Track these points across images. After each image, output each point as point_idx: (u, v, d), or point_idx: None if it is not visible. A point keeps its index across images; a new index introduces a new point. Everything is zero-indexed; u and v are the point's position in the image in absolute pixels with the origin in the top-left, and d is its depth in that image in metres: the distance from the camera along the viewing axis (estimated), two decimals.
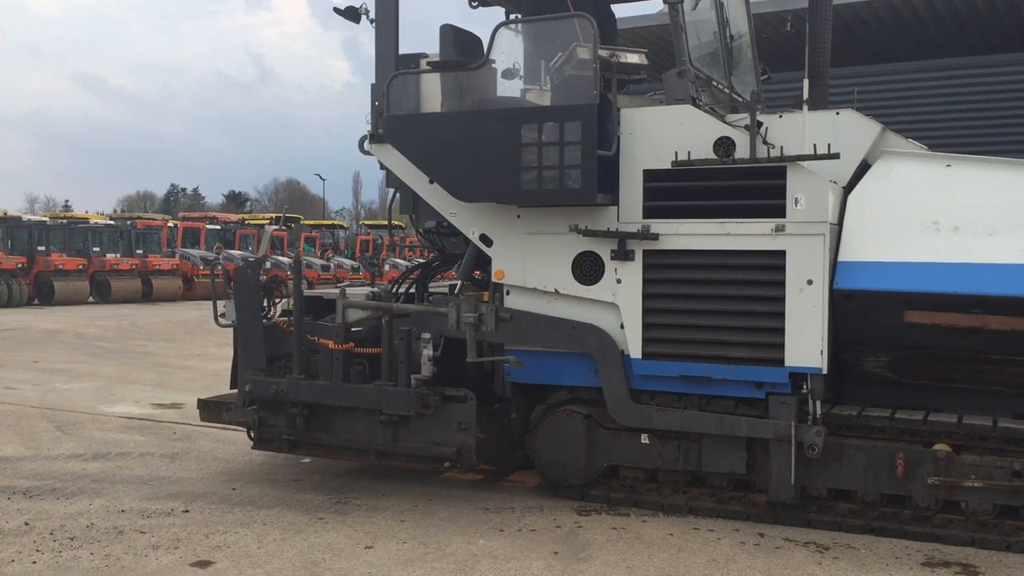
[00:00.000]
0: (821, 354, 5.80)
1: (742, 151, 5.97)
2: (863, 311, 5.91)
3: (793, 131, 6.36)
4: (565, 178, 6.03)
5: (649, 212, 6.20)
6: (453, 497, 6.62)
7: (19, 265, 29.21)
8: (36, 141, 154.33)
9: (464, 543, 5.63)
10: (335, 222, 53.47)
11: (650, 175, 6.19)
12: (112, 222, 37.58)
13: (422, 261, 7.99)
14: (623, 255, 6.22)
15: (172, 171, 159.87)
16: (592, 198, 6.00)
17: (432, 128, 6.50)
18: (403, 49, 7.07)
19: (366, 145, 6.89)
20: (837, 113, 6.51)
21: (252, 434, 6.62)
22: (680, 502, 6.31)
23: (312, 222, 48.83)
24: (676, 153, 6.01)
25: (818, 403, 5.90)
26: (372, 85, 6.94)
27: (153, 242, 35.57)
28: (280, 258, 37.38)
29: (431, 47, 7.14)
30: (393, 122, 6.59)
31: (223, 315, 6.72)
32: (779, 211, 5.88)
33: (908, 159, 6.30)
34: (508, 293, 6.59)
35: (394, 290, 7.22)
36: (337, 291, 6.89)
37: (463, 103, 6.79)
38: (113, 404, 10.37)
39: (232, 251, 36.16)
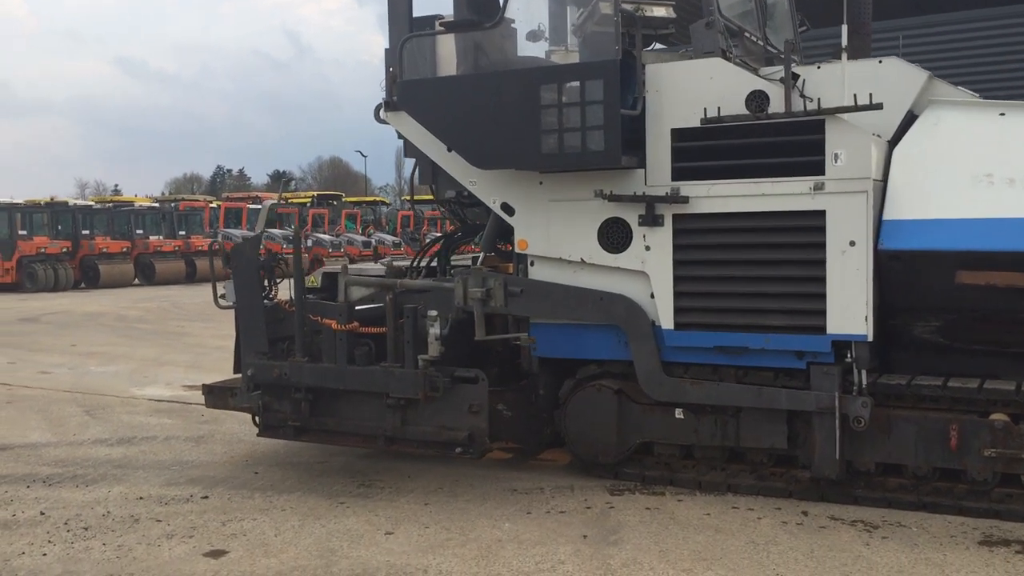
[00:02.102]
0: (866, 320, 5.42)
1: (777, 106, 5.58)
2: (911, 273, 5.50)
3: (832, 83, 5.92)
4: (587, 140, 5.69)
5: (678, 174, 5.83)
6: (480, 478, 6.36)
7: (64, 249, 29.47)
8: (83, 126, 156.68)
9: (489, 527, 5.36)
10: (377, 198, 53.41)
11: (678, 134, 5.82)
12: (157, 204, 37.89)
13: (443, 233, 7.69)
14: (651, 220, 5.87)
15: (217, 152, 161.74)
16: (616, 161, 5.65)
17: (447, 92, 6.19)
18: (418, 11, 6.75)
19: (381, 114, 6.59)
20: (880, 62, 6.08)
21: (257, 420, 6.36)
22: (718, 479, 5.98)
23: (354, 199, 48.84)
24: (705, 110, 5.63)
25: (863, 372, 5.52)
26: (386, 50, 6.63)
27: (196, 223, 35.73)
28: (321, 235, 37.41)
29: (447, 8, 6.81)
30: (406, 88, 6.28)
31: (223, 296, 6.45)
32: (818, 168, 5.49)
33: (958, 108, 5.85)
34: (532, 264, 6.28)
35: (414, 264, 6.92)
36: (367, 266, 6.64)
37: (479, 65, 6.46)
38: (144, 387, 10.27)
39: (273, 230, 36.17)
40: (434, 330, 5.58)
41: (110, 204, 38.03)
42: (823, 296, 5.51)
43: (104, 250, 30.45)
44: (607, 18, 5.91)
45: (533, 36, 7.10)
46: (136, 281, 31.37)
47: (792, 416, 5.74)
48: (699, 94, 5.72)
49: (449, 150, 6.26)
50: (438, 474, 6.43)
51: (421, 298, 5.92)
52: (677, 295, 5.88)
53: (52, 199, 37.25)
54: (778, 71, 5.88)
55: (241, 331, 6.30)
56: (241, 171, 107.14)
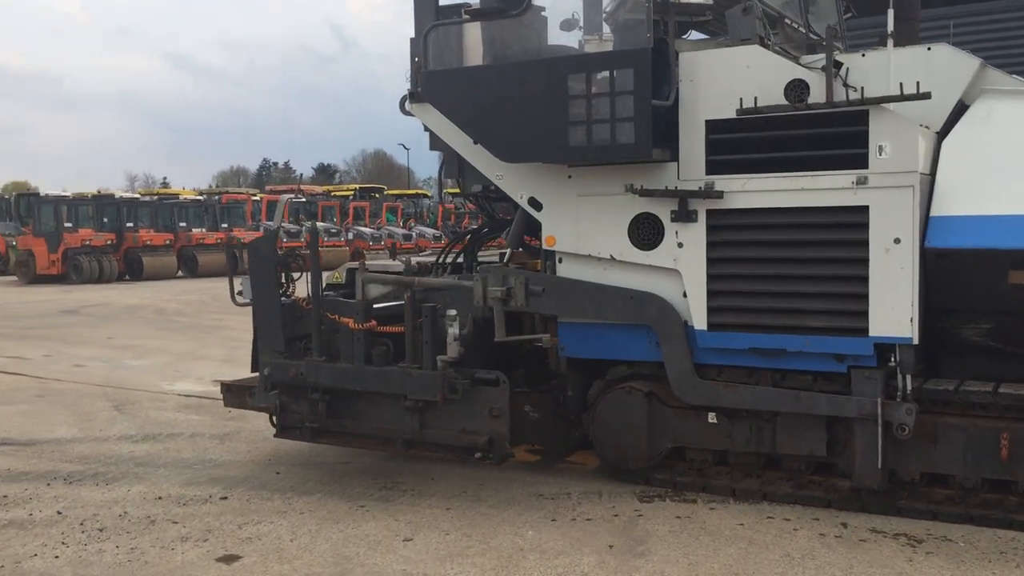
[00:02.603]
0: (911, 322, 5.12)
1: (818, 95, 5.29)
2: (960, 272, 5.20)
3: (878, 71, 5.63)
4: (617, 132, 5.44)
5: (713, 167, 5.57)
6: (506, 481, 6.16)
7: (108, 242, 29.78)
8: (133, 120, 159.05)
9: (511, 535, 5.16)
10: (419, 191, 53.39)
11: (713, 126, 5.55)
12: (201, 197, 38.19)
13: (471, 228, 7.49)
14: (684, 216, 5.61)
15: (263, 146, 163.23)
16: (647, 154, 5.41)
17: (472, 83, 5.98)
18: None
19: (407, 105, 6.39)
20: (928, 49, 5.76)
21: (274, 421, 6.20)
22: (753, 487, 5.72)
23: (396, 192, 48.88)
24: (741, 100, 5.36)
25: (908, 377, 5.23)
26: (411, 39, 6.43)
27: (238, 216, 35.93)
28: (362, 228, 37.46)
29: None
30: (431, 78, 6.08)
31: (240, 292, 6.28)
32: (861, 161, 5.20)
33: (1012, 98, 5.51)
34: (561, 261, 6.05)
35: (440, 260, 6.73)
36: (385, 263, 6.47)
37: (506, 55, 6.24)
38: (175, 382, 10.21)
39: (317, 223, 36.32)
40: (453, 330, 5.37)
41: (155, 197, 38.46)
42: (865, 296, 5.22)
43: (148, 243, 30.73)
44: (639, 5, 5.66)
45: (567, 25, 6.86)
46: (179, 273, 31.61)
47: (832, 422, 5.46)
48: (735, 84, 5.45)
49: (475, 143, 6.05)
50: (462, 477, 6.24)
51: (440, 297, 5.72)
52: (711, 294, 5.62)
53: (99, 192, 37.78)
54: (820, 59, 5.58)
55: (258, 329, 6.15)
56: (287, 164, 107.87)
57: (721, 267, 5.59)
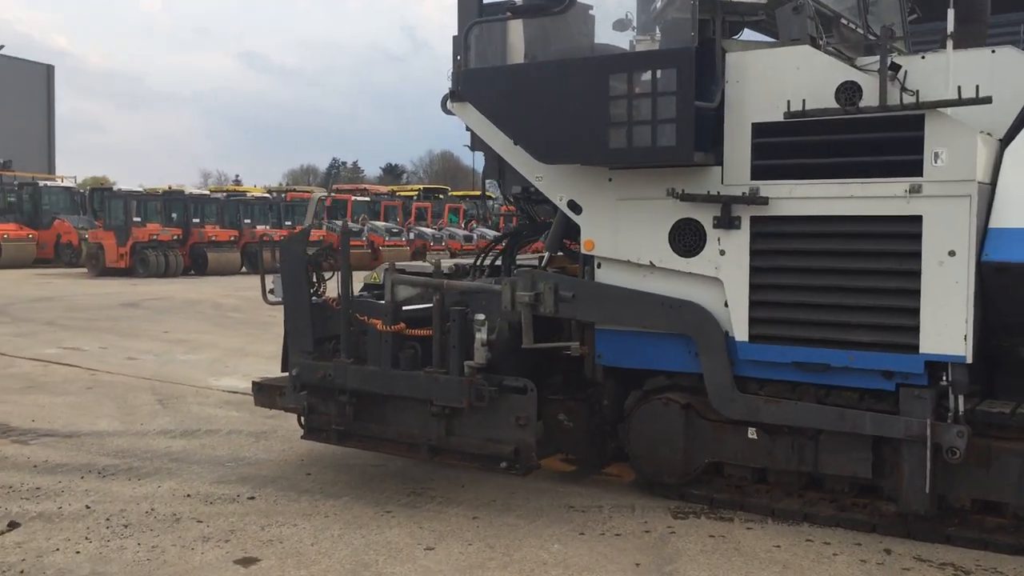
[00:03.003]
0: (965, 339, 4.84)
1: (871, 99, 5.03)
2: (1020, 287, 4.89)
3: (939, 75, 5.34)
4: (658, 134, 5.25)
5: (758, 172, 5.34)
6: (538, 491, 6.00)
7: (175, 237, 30.30)
8: (208, 119, 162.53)
9: (536, 548, 5.00)
10: (486, 193, 53.33)
11: (760, 129, 5.32)
12: (268, 195, 38.70)
13: (510, 230, 7.34)
14: (727, 222, 5.39)
15: (333, 145, 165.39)
16: (688, 157, 5.20)
17: (511, 82, 5.83)
18: None
19: (448, 104, 6.27)
20: (992, 51, 5.46)
21: (302, 422, 6.11)
22: (793, 507, 5.47)
23: (460, 193, 48.93)
24: (788, 103, 5.12)
25: (960, 398, 4.95)
26: (454, 37, 6.31)
27: (302, 213, 36.30)
28: (423, 228, 37.61)
29: None
30: (470, 77, 5.95)
31: (271, 291, 6.21)
32: (915, 168, 4.93)
33: None
34: (599, 266, 5.87)
35: (478, 263, 6.59)
36: (420, 264, 6.36)
37: (549, 54, 6.08)
38: (221, 377, 10.25)
39: (376, 222, 36.58)
40: (481, 335, 5.22)
41: (223, 194, 39.09)
42: (916, 311, 4.95)
43: (213, 238, 31.20)
44: (686, 3, 5.46)
45: (620, 25, 6.67)
46: (243, 269, 32.01)
47: (878, 442, 5.19)
48: (784, 85, 5.22)
49: (515, 143, 5.91)
50: (494, 485, 6.09)
51: (469, 300, 5.58)
52: (753, 304, 5.39)
53: (170, 188, 38.51)
54: (876, 61, 5.33)
55: (287, 328, 6.08)
56: (355, 164, 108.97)
57: (765, 276, 5.36)
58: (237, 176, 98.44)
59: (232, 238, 31.80)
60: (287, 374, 6.11)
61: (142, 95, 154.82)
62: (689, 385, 5.70)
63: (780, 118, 5.19)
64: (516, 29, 6.17)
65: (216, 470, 6.49)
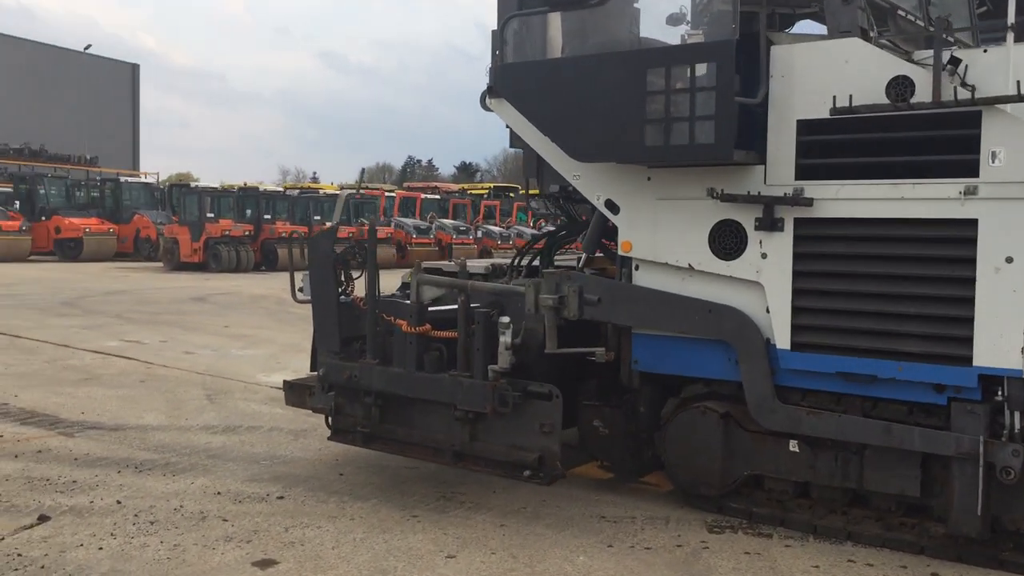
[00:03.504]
0: (1022, 353, 4.52)
1: (924, 94, 4.74)
2: None
3: (1003, 69, 5.01)
4: (696, 131, 5.02)
5: (803, 172, 5.08)
6: (570, 499, 5.83)
7: (247, 232, 30.80)
8: (288, 117, 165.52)
9: (560, 559, 4.83)
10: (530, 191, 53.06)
11: (806, 127, 5.06)
12: (339, 192, 39.08)
13: (549, 230, 7.17)
14: (770, 224, 5.14)
15: (409, 143, 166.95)
16: (728, 155, 4.96)
17: (546, 76, 5.66)
18: None
19: (487, 101, 6.12)
20: None
21: (329, 422, 6.01)
22: (837, 524, 5.19)
23: (532, 191, 48.81)
24: (834, 98, 4.86)
25: (1017, 414, 4.63)
26: (493, 32, 6.16)
27: (370, 210, 36.58)
28: (491, 227, 37.56)
29: None
30: (506, 72, 5.80)
31: (301, 289, 6.13)
32: (970, 169, 4.63)
33: None
34: (637, 268, 5.67)
35: (515, 263, 6.43)
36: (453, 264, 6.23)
37: (585, 47, 5.89)
38: (272, 373, 10.27)
39: (445, 220, 36.67)
40: (505, 338, 5.05)
41: (297, 191, 39.62)
42: (970, 321, 4.65)
43: (283, 234, 31.58)
44: None
45: (674, 19, 6.46)
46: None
47: (928, 459, 4.90)
48: (832, 80, 4.95)
49: (552, 140, 5.73)
50: (527, 491, 5.93)
51: (502, 301, 5.42)
52: (796, 311, 5.13)
53: (245, 184, 39.16)
54: (932, 55, 5.02)
55: (315, 328, 6.00)
56: (430, 162, 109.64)
57: (808, 281, 5.10)
58: (315, 173, 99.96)
59: (302, 235, 32.16)
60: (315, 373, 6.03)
61: (225, 94, 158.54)
62: (728, 394, 5.46)
63: (827, 115, 4.92)
64: (554, 23, 6.01)
65: (250, 468, 6.46)
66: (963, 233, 4.65)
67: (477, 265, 6.38)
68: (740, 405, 5.37)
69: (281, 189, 40.78)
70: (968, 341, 4.65)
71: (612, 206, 5.70)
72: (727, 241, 5.32)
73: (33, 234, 35.78)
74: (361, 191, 32.34)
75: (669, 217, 5.49)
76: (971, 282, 4.63)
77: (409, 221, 36.05)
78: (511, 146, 6.42)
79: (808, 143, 5.07)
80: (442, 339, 5.42)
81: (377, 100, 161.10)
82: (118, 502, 5.64)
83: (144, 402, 8.61)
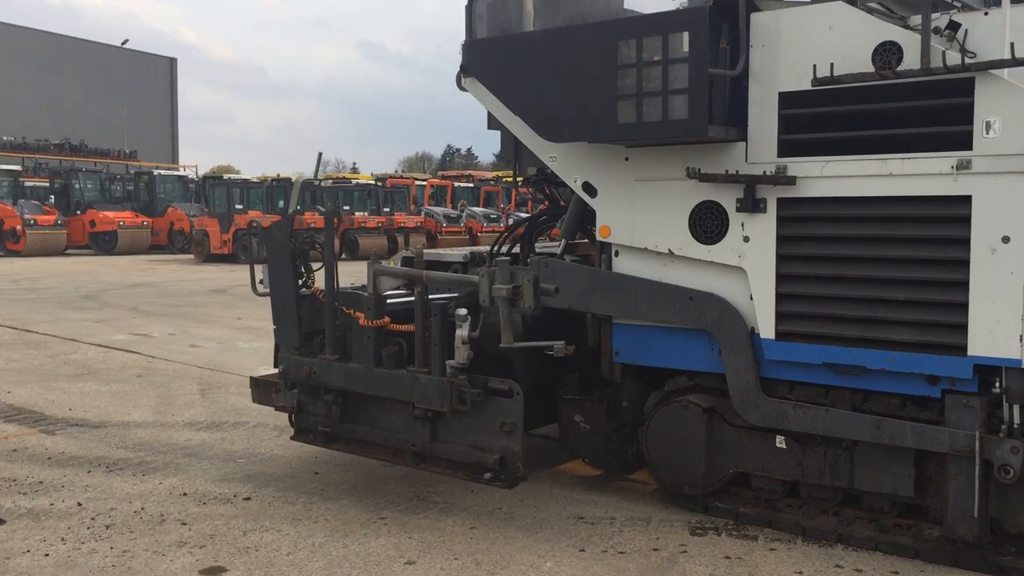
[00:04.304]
0: (1020, 340, 4.14)
1: (914, 61, 4.36)
2: None
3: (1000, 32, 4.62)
4: (669, 107, 4.69)
5: (786, 148, 4.73)
6: (551, 498, 5.53)
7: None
8: (328, 107, 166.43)
9: (526, 565, 4.54)
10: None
11: (788, 99, 4.70)
12: (375, 183, 38.90)
13: (529, 215, 6.85)
14: (751, 205, 4.80)
15: (448, 132, 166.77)
16: (702, 131, 4.62)
17: (514, 52, 5.35)
18: None
19: (462, 81, 5.81)
20: None
21: (292, 421, 5.74)
22: (827, 526, 4.85)
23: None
24: (815, 67, 4.49)
25: (1016, 408, 4.25)
26: (466, 7, 5.85)
27: (401, 200, 36.44)
28: (523, 215, 37.20)
29: None
30: (474, 49, 5.50)
31: (262, 281, 5.85)
32: (963, 141, 4.25)
33: None
34: (617, 254, 5.35)
35: (494, 250, 6.13)
36: (457, 252, 5.96)
37: (557, 19, 5.57)
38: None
39: (475, 208, 36.41)
40: (461, 332, 4.75)
41: (330, 181, 39.54)
42: (964, 307, 4.27)
43: (311, 224, 31.51)
44: None
45: None
46: (342, 256, 32.29)
47: (923, 457, 4.53)
48: (815, 49, 4.59)
49: (523, 120, 5.42)
50: (513, 490, 5.61)
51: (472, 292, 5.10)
52: (780, 297, 4.78)
53: (278, 176, 39.21)
54: (935, 19, 4.63)
55: (275, 322, 5.74)
56: (469, 150, 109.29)
57: (793, 266, 4.74)
58: (354, 164, 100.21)
59: None
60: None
61: (264, 86, 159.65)
62: (713, 387, 5.13)
63: (809, 86, 4.56)
64: None
65: (225, 466, 6.24)
66: (955, 211, 4.27)
67: (455, 253, 6.08)
68: (725, 399, 5.03)
69: (315, 181, 40.78)
70: (962, 329, 4.28)
71: (590, 189, 5.38)
72: (708, 224, 4.98)
73: (69, 228, 36.14)
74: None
75: (648, 199, 5.16)
76: (965, 264, 4.26)
77: (439, 210, 35.84)
78: (488, 127, 6.11)
79: (791, 117, 4.71)
80: (401, 333, 5.12)
81: (416, 89, 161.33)
82: (79, 504, 5.45)
83: (135, 398, 8.45)
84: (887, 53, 4.41)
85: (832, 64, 4.44)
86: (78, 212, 37.26)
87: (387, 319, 5.13)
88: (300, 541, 4.86)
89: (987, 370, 4.28)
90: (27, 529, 5.04)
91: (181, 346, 11.51)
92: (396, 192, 36.70)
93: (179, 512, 5.31)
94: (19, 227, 34.42)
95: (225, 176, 38.69)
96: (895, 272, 4.46)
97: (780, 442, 4.92)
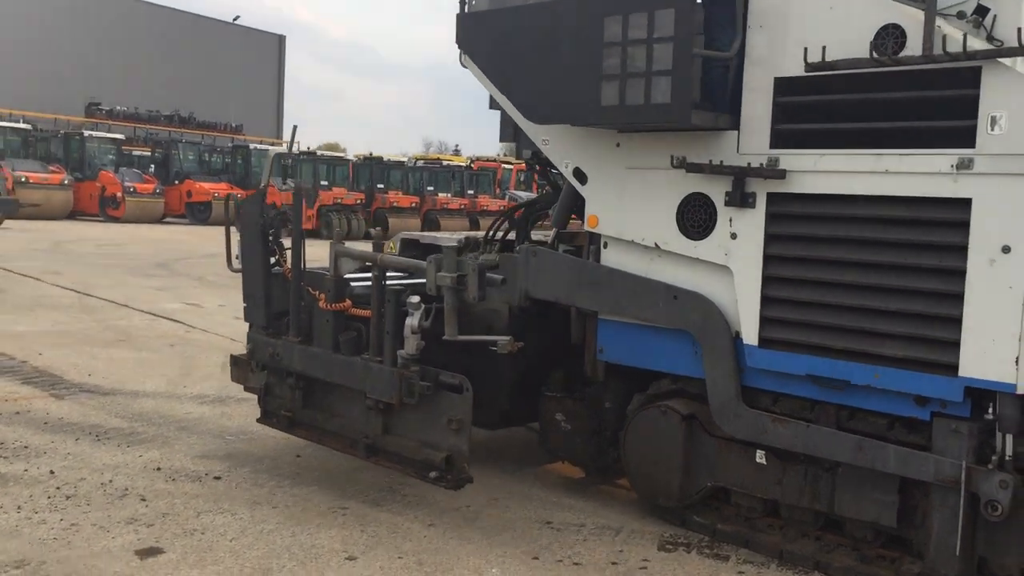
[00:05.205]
0: (1016, 363, 3.69)
1: (918, 46, 3.92)
2: None
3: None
4: (652, 89, 4.34)
5: (779, 139, 4.34)
6: (525, 499, 5.28)
7: (358, 201, 31.07)
8: (436, 89, 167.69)
9: (470, 569, 4.29)
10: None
11: (784, 86, 4.31)
12: (467, 164, 38.98)
13: (527, 199, 6.55)
14: (740, 200, 4.42)
15: None
16: (685, 117, 4.26)
17: (500, 27, 5.06)
18: None
19: (461, 57, 5.56)
20: None
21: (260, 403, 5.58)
22: (806, 551, 4.46)
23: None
24: (805, 51, 4.09)
25: (1009, 438, 3.81)
26: None
27: (485, 183, 36.37)
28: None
29: None
30: (464, 23, 5.23)
31: (238, 257, 5.70)
32: (965, 137, 3.80)
33: None
34: (606, 246, 5.03)
35: (489, 235, 5.86)
36: (436, 236, 5.75)
37: None
38: None
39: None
40: (412, 320, 4.50)
41: (421, 161, 39.79)
42: (958, 322, 3.83)
43: (395, 204, 31.76)
44: None
45: None
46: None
47: (907, 484, 4.11)
48: (813, 30, 4.18)
49: (508, 99, 5.15)
50: (488, 487, 5.40)
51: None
52: (766, 301, 4.40)
53: (370, 154, 39.59)
54: (956, 4, 4.19)
55: (244, 299, 5.60)
56: None
57: (780, 268, 4.36)
58: (456, 146, 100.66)
59: (413, 204, 32.26)
60: None
61: (376, 66, 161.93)
62: (697, 393, 4.77)
63: (802, 72, 4.16)
64: None
65: (211, 443, 6.17)
66: (953, 215, 3.83)
67: (449, 237, 5.84)
68: (707, 406, 4.67)
69: (404, 160, 41.06)
70: (954, 346, 3.85)
71: (580, 175, 5.07)
72: (696, 217, 4.62)
73: (167, 197, 37.20)
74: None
75: (636, 189, 4.83)
76: (960, 275, 3.82)
77: (523, 194, 35.57)
78: (490, 107, 5.84)
79: (786, 105, 4.31)
80: (361, 318, 4.91)
81: None
82: (51, 472, 5.42)
83: (157, 367, 8.48)
84: (888, 37, 3.98)
85: (823, 47, 4.03)
86: (176, 182, 38.27)
87: (348, 303, 4.92)
88: (250, 527, 4.72)
89: (980, 394, 3.84)
90: None
91: (226, 318, 11.57)
92: (481, 175, 36.64)
93: (144, 487, 5.24)
94: (119, 194, 35.55)
95: (318, 152, 39.24)
96: (884, 279, 4.04)
97: (760, 457, 4.55)
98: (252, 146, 44.14)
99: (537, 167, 5.94)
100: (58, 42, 56.24)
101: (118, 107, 56.98)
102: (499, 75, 5.08)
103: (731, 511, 4.79)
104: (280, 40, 78.18)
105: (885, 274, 4.04)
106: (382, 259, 4.75)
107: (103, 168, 36.53)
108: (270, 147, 41.70)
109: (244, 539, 4.55)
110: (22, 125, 38.60)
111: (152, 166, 39.81)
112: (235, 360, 5.98)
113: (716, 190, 4.52)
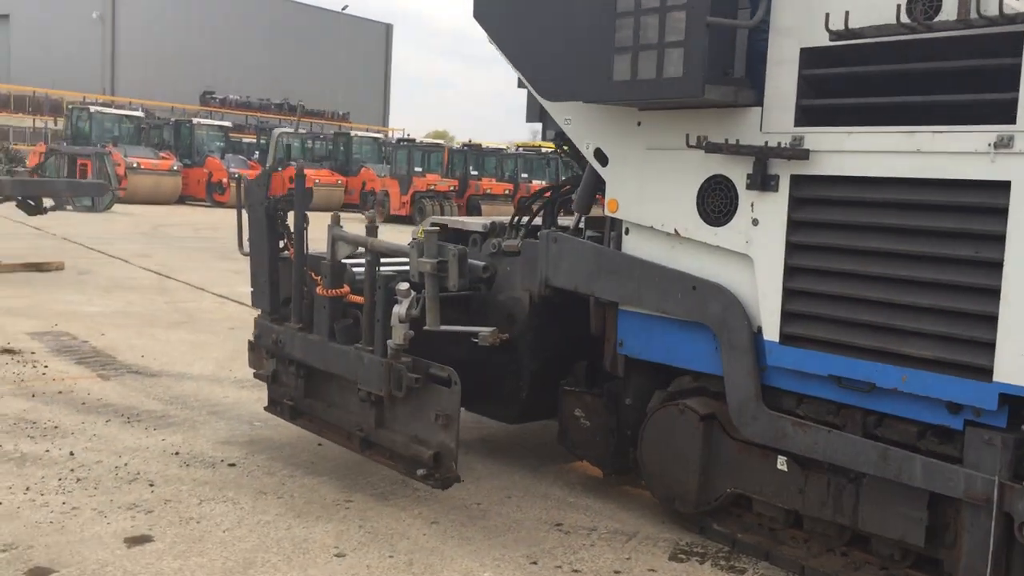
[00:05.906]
0: None
1: (954, 11, 3.49)
2: None
3: None
4: (664, 62, 4.01)
5: (805, 116, 3.95)
6: (540, 498, 5.02)
7: (452, 188, 31.11)
8: None
9: (461, 572, 4.06)
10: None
11: (811, 57, 3.91)
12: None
13: (553, 184, 6.22)
14: (761, 182, 4.05)
15: None
16: (697, 92, 3.91)
17: (514, 1, 4.77)
18: None
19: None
20: None
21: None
22: (831, 568, 4.08)
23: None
24: (827, 16, 3.69)
25: None
26: None
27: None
28: None
29: None
30: None
31: (249, 239, 5.54)
32: (1005, 113, 3.36)
33: None
34: (627, 233, 4.72)
35: (515, 220, 5.59)
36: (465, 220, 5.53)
37: None
38: None
39: None
40: (400, 309, 4.25)
41: (517, 148, 39.63)
42: (993, 320, 3.40)
43: (488, 191, 31.68)
44: None
45: None
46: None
47: (938, 500, 3.69)
48: None
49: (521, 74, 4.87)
50: (504, 483, 5.18)
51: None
52: (787, 294, 4.03)
53: (470, 141, 39.62)
54: None
55: (251, 284, 5.46)
56: None
57: (803, 257, 3.98)
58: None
59: (507, 191, 32.12)
60: None
61: (484, 54, 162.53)
62: (718, 391, 4.42)
63: (827, 42, 3.76)
64: None
65: (237, 428, 6.10)
66: (990, 200, 3.40)
67: (475, 222, 5.60)
68: (727, 406, 4.32)
69: (504, 147, 40.98)
70: (989, 348, 3.42)
71: (601, 156, 4.77)
72: (716, 202, 4.27)
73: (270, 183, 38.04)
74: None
75: (656, 171, 4.50)
76: (997, 267, 3.38)
77: None
78: (518, 86, 5.56)
79: (813, 78, 3.92)
80: (359, 305, 4.71)
81: None
82: (71, 454, 5.41)
83: (210, 350, 8.51)
84: (920, 2, 3.55)
85: (846, 13, 3.62)
86: (279, 169, 39.04)
87: (346, 288, 4.73)
88: (248, 517, 4.59)
89: (1019, 402, 3.40)
90: (4, 475, 5.03)
91: None
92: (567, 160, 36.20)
93: (156, 472, 5.18)
94: (225, 180, 36.53)
95: (419, 140, 39.48)
96: (914, 271, 3.63)
97: (781, 463, 4.18)
98: (354, 133, 44.83)
99: (563, 147, 5.63)
100: (176, 33, 58.20)
101: (231, 96, 58.71)
102: (513, 48, 4.81)
103: (753, 520, 4.43)
104: (387, 29, 79.12)
105: (914, 265, 3.63)
106: (373, 243, 4.54)
107: (211, 155, 37.55)
108: (376, 134, 41.98)
109: (238, 530, 4.43)
110: (136, 112, 39.95)
111: (257, 153, 40.77)
112: (252, 345, 5.87)
113: (737, 172, 4.16)
